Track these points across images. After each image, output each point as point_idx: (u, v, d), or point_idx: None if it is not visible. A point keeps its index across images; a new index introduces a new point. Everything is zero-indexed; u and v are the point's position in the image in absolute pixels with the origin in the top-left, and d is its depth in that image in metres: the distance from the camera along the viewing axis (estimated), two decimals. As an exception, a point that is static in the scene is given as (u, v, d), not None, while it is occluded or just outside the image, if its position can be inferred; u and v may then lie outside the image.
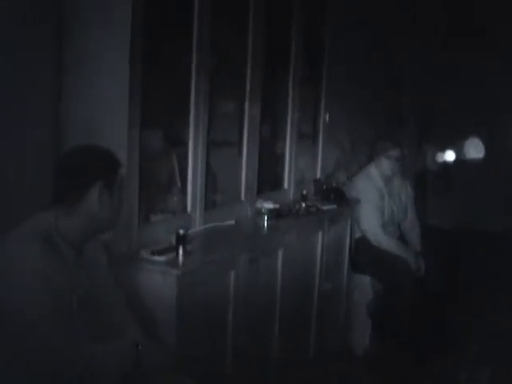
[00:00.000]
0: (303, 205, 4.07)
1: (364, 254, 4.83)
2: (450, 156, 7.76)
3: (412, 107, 7.14)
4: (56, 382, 2.26)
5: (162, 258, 2.84)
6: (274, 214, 3.74)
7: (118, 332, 2.55)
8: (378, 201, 4.88)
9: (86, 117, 2.92)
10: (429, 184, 7.85)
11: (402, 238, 5.13)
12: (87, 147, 2.46)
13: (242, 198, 3.87)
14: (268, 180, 4.25)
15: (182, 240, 2.89)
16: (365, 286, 4.87)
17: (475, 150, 7.62)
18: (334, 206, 4.39)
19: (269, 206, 3.72)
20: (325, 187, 4.55)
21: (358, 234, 4.87)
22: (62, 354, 2.23)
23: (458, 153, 7.70)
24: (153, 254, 2.87)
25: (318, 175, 4.85)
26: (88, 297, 2.42)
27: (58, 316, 2.22)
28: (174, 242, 2.92)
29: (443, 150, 7.72)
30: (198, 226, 3.40)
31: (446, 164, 7.81)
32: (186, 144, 3.37)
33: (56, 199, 2.39)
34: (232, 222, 3.63)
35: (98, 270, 2.59)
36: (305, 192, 4.14)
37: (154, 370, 2.48)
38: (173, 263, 2.83)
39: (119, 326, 2.60)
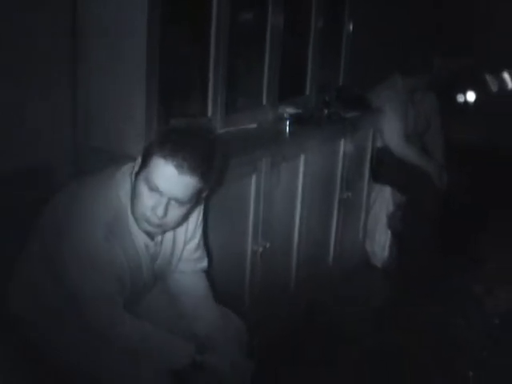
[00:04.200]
0: (325, 111, 4.00)
1: (386, 164, 4.77)
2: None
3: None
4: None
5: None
6: (296, 120, 3.68)
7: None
8: (401, 111, 4.79)
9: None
10: (454, 98, 7.66)
11: (425, 150, 5.07)
12: None
13: (264, 102, 3.79)
14: (290, 85, 4.15)
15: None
16: (386, 196, 4.83)
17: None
18: (357, 114, 4.31)
19: (291, 110, 3.66)
20: (347, 94, 4.46)
21: (380, 144, 4.81)
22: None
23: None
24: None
25: (341, 82, 4.75)
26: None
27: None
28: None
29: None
30: (218, 130, 3.35)
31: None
32: (207, 47, 3.28)
33: None
34: (254, 126, 3.60)
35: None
36: (327, 98, 4.07)
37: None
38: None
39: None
